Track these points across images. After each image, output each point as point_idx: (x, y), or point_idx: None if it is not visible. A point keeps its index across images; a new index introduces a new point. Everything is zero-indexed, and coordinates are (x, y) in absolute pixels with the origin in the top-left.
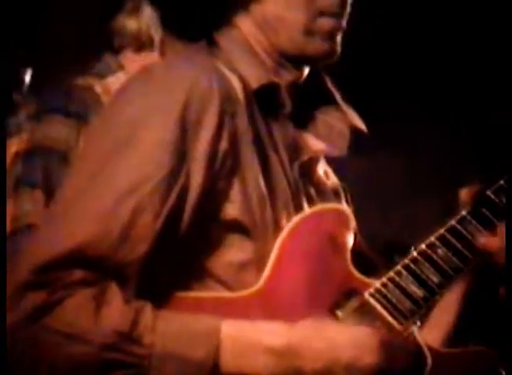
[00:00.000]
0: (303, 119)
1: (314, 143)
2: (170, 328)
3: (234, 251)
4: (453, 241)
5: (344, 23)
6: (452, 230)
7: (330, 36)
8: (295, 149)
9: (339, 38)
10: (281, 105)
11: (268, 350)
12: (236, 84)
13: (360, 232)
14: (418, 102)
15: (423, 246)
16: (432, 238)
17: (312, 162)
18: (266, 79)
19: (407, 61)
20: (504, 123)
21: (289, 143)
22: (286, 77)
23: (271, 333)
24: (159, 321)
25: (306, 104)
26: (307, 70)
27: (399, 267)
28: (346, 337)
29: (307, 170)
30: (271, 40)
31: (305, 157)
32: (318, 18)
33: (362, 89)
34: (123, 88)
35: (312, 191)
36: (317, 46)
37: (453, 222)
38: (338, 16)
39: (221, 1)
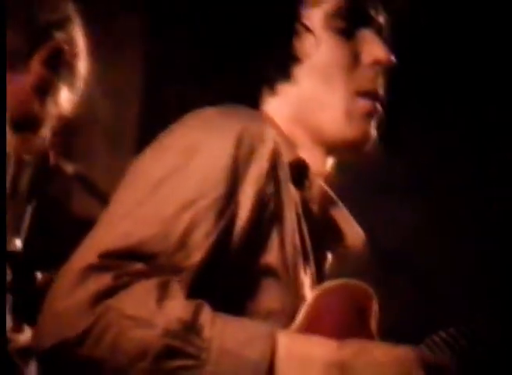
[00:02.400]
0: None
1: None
2: (228, 326)
3: (264, 298)
4: None
5: (380, 107)
6: None
7: (368, 118)
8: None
9: (374, 123)
10: (308, 188)
11: (321, 363)
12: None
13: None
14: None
15: None
16: None
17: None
18: (296, 156)
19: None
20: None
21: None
22: (315, 162)
23: (323, 347)
24: (218, 317)
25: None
26: (329, 163)
27: None
28: (390, 354)
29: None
30: (304, 122)
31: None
32: (356, 98)
33: None
34: (177, 124)
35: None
36: (357, 129)
37: None
38: (375, 97)
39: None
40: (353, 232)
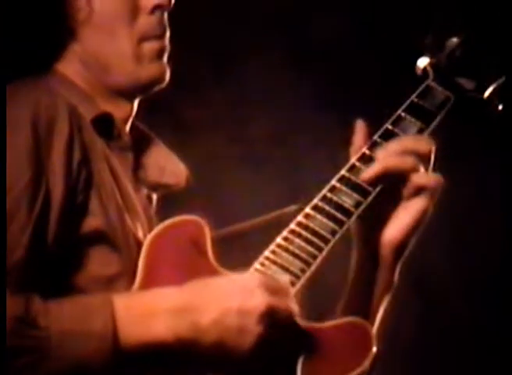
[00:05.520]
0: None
1: (153, 174)
2: (63, 307)
3: (100, 265)
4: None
5: (167, 43)
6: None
7: (158, 58)
8: (136, 177)
9: (165, 59)
10: (118, 137)
11: (164, 312)
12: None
13: None
14: None
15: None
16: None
17: (152, 189)
18: (98, 110)
19: None
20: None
21: (131, 170)
22: (119, 111)
23: (162, 297)
24: (50, 304)
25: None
26: (136, 104)
27: (285, 233)
28: (230, 285)
29: (149, 195)
30: (99, 76)
31: (150, 182)
32: (141, 43)
33: None
34: None
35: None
36: (148, 70)
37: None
38: (160, 37)
39: (37, 49)
40: (175, 169)
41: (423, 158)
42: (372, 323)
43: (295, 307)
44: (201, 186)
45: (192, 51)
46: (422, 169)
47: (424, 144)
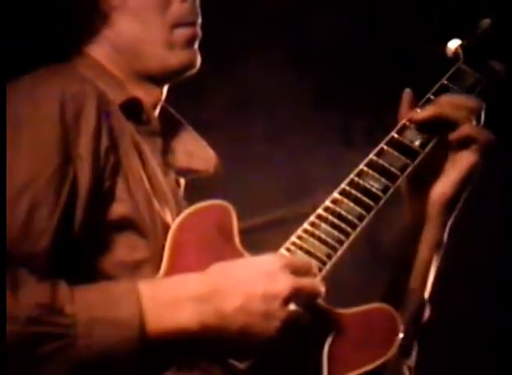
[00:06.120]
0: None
1: (182, 159)
2: (89, 295)
3: (127, 251)
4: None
5: (199, 30)
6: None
7: (189, 44)
8: (166, 162)
9: (196, 46)
10: (147, 122)
11: (189, 299)
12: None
13: None
14: None
15: (332, 197)
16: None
17: (181, 174)
18: (127, 95)
19: None
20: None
21: (159, 155)
22: (149, 96)
23: (187, 283)
24: (77, 291)
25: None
26: (165, 89)
27: (311, 218)
28: (253, 269)
29: (177, 180)
30: (130, 61)
31: (179, 167)
32: (173, 30)
33: None
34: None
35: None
36: (179, 56)
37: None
38: (192, 24)
39: (69, 32)
40: (204, 155)
41: (474, 115)
42: (424, 284)
43: (321, 286)
44: (200, 185)
45: None
46: (474, 123)
47: (476, 102)
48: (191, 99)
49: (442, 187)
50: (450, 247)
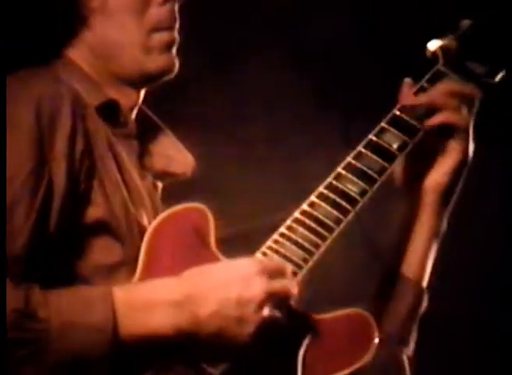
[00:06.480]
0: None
1: (159, 162)
2: (63, 299)
3: (102, 254)
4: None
5: (176, 34)
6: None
7: (166, 49)
8: (143, 164)
9: (174, 51)
10: (124, 124)
11: (163, 304)
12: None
13: None
14: None
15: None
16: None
17: (158, 177)
18: (104, 97)
19: None
20: None
21: (136, 158)
22: (126, 99)
23: (161, 288)
24: (50, 295)
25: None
26: (143, 93)
27: (288, 222)
28: (228, 274)
29: (155, 183)
30: (108, 64)
31: (156, 170)
32: (151, 34)
33: None
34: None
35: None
36: (157, 61)
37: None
38: (170, 29)
39: (48, 35)
40: (182, 158)
41: (467, 102)
42: (421, 274)
43: (295, 288)
44: (201, 185)
45: (192, 51)
46: (464, 111)
47: (470, 88)
48: (191, 99)
49: (437, 175)
50: (448, 246)
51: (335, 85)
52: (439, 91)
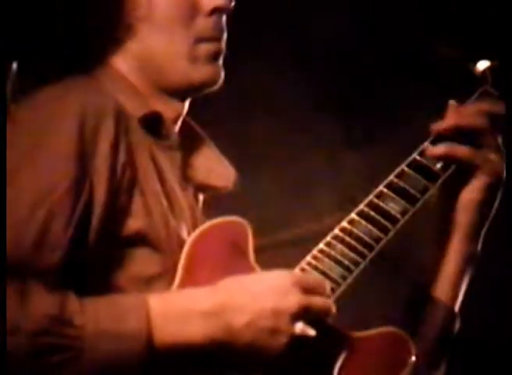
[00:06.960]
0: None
1: (201, 174)
2: (99, 307)
3: (141, 266)
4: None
5: (223, 45)
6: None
7: (212, 60)
8: (184, 176)
9: (220, 62)
10: (166, 136)
11: (198, 314)
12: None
13: None
14: None
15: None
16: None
17: (200, 190)
18: (148, 109)
19: None
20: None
21: (178, 169)
22: (170, 110)
23: (196, 298)
24: (86, 303)
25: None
26: (187, 104)
27: (328, 239)
28: (264, 285)
29: (196, 195)
30: (153, 74)
31: (197, 182)
32: (198, 44)
33: None
34: (27, 108)
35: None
36: (202, 71)
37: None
38: (217, 40)
39: (93, 43)
40: (224, 171)
41: (496, 120)
42: (453, 297)
43: (332, 306)
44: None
45: None
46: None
47: (498, 106)
48: (191, 99)
49: (469, 192)
50: None
51: (335, 85)
52: (467, 113)
